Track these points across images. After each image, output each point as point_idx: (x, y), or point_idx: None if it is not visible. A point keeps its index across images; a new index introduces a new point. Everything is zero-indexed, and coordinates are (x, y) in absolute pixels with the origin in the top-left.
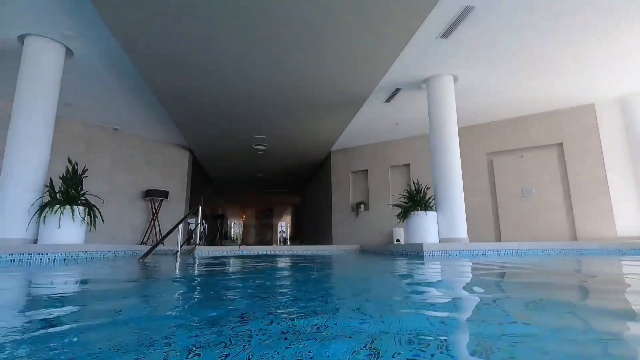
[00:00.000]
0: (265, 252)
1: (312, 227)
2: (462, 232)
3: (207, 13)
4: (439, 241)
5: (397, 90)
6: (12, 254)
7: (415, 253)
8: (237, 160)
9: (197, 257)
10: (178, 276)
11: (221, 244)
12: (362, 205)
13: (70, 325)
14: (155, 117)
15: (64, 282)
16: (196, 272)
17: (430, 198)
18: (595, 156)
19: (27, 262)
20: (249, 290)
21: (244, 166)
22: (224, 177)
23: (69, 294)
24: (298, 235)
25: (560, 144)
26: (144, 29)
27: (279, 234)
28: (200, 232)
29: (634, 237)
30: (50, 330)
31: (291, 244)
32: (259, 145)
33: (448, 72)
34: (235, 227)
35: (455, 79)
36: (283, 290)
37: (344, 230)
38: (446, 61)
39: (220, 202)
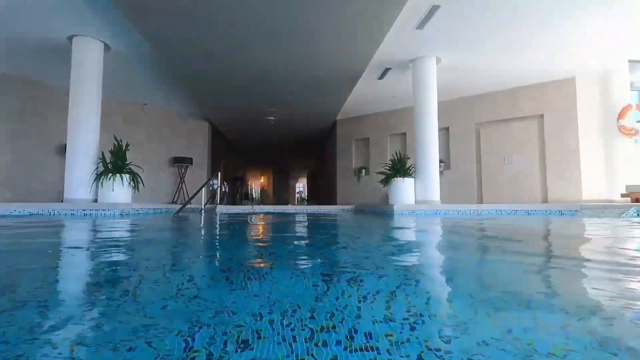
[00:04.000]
0: (273, 211)
1: (324, 188)
2: (435, 195)
3: (216, 12)
4: (415, 203)
5: (387, 70)
6: (85, 210)
7: (389, 212)
8: (253, 128)
9: (217, 214)
10: (202, 226)
11: (241, 204)
12: (363, 170)
13: (146, 246)
14: (177, 94)
15: (142, 228)
16: (214, 223)
17: (410, 166)
18: (571, 127)
19: (96, 215)
20: (248, 233)
21: (260, 133)
22: (243, 143)
23: (143, 235)
24: (314, 196)
25: (542, 116)
26: (163, 29)
27: (296, 195)
28: (222, 193)
29: (597, 201)
30: (138, 243)
31: (307, 204)
32: (270, 116)
33: (431, 54)
34: (255, 187)
35: (439, 60)
36: (269, 233)
37: (347, 192)
38: (428, 45)
39: (242, 166)
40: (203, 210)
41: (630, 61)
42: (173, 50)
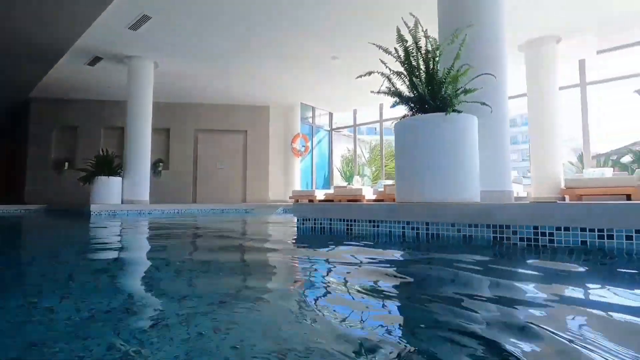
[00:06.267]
0: None
1: (5, 181)
2: (144, 194)
3: None
4: (122, 202)
5: (98, 58)
6: None
7: (86, 213)
8: None
9: None
10: None
11: None
12: (67, 163)
13: None
14: None
15: None
16: None
17: (118, 165)
18: (264, 144)
19: None
20: None
21: None
22: None
23: None
24: None
25: (246, 131)
26: None
27: None
28: None
29: (278, 200)
30: None
31: None
32: None
33: (148, 56)
34: None
35: (157, 65)
36: None
37: (42, 188)
38: (144, 48)
39: None
40: None
41: (302, 103)
42: None
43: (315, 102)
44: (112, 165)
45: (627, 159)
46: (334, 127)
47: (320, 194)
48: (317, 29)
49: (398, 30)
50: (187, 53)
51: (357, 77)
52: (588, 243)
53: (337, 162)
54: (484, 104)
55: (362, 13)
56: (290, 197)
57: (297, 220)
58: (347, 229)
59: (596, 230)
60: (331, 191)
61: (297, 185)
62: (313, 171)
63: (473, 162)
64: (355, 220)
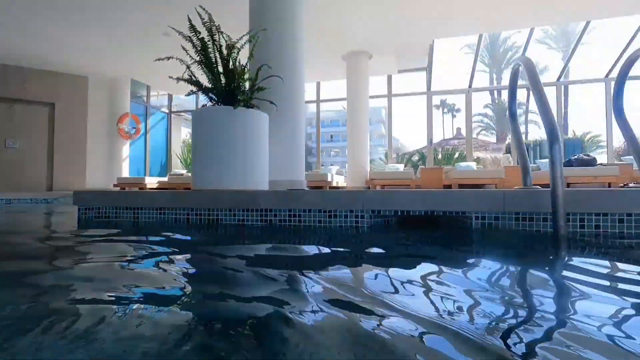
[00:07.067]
0: None
1: None
2: None
3: None
4: None
5: None
6: None
7: None
8: None
9: None
10: None
11: None
12: None
13: None
14: None
15: None
16: None
17: None
18: (81, 122)
19: None
20: None
21: None
22: None
23: None
24: None
25: (53, 104)
26: None
27: None
28: None
29: (98, 189)
30: None
31: None
32: None
33: None
34: None
35: None
36: None
37: None
38: None
39: None
40: None
41: (132, 80)
42: None
43: (150, 80)
44: None
45: (415, 157)
46: (173, 109)
47: (152, 182)
48: None
49: (189, 20)
50: None
51: (155, 60)
52: (322, 221)
53: (177, 148)
54: (271, 102)
55: None
56: (114, 185)
57: (79, 209)
58: (134, 217)
59: (328, 211)
60: (166, 179)
61: (126, 172)
62: (147, 157)
63: (261, 154)
64: (141, 209)
